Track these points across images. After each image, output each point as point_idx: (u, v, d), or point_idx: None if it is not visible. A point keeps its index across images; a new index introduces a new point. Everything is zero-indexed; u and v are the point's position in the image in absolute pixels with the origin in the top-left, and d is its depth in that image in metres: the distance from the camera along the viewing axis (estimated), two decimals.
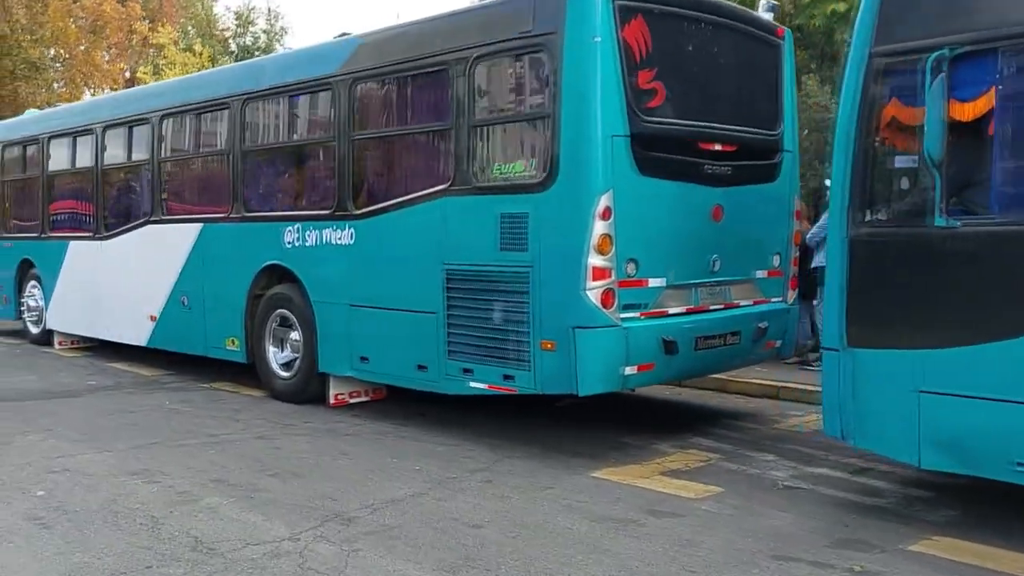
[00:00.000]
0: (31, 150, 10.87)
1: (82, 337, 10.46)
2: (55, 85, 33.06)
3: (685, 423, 6.40)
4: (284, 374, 7.36)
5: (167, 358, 9.00)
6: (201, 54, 25.57)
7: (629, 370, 5.26)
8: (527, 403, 6.09)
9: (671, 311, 5.55)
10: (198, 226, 8.08)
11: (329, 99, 6.80)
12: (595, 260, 5.10)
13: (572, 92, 5.16)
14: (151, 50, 35.88)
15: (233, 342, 7.74)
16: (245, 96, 7.51)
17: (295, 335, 7.25)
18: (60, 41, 32.41)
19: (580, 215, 5.12)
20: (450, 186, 5.85)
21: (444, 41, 5.89)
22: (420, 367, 6.11)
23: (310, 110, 7.24)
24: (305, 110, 7.28)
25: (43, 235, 10.46)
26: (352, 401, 7.06)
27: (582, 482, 4.88)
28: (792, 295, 6.43)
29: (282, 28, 31.71)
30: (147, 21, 31.75)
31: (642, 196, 5.30)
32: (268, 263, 7.35)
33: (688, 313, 5.65)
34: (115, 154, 9.42)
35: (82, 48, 34.05)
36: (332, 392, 7.00)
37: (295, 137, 7.45)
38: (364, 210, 6.51)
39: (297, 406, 6.99)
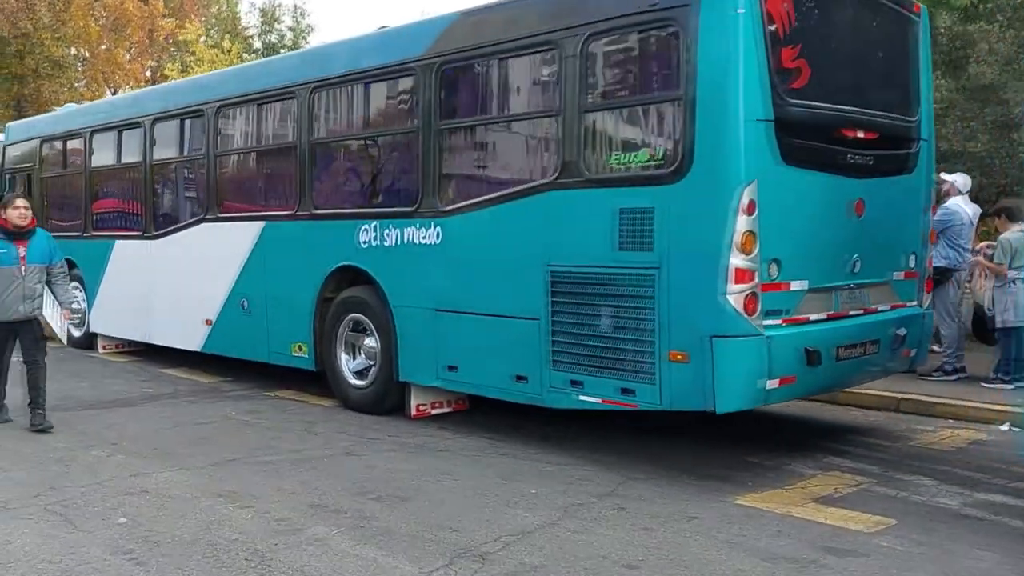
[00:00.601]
0: (73, 145, 10.40)
1: (127, 341, 10.02)
2: (76, 84, 32.93)
3: (807, 439, 5.84)
4: (358, 383, 6.84)
5: (220, 364, 8.51)
6: (230, 51, 25.10)
7: (771, 384, 4.69)
8: (619, 413, 5.54)
9: (812, 318, 4.99)
10: (259, 225, 7.57)
11: (412, 85, 6.27)
12: (737, 260, 4.55)
13: (710, 71, 4.60)
14: (174, 48, 35.68)
15: (300, 348, 7.23)
16: (314, 84, 6.98)
17: (370, 341, 6.73)
18: (81, 40, 32.22)
19: (719, 209, 4.56)
20: (556, 179, 5.30)
21: (552, 18, 5.33)
22: (518, 378, 5.57)
23: (389, 98, 6.71)
24: (383, 98, 6.75)
25: (86, 234, 9.98)
26: (434, 412, 6.53)
27: (728, 511, 4.32)
28: (927, 299, 5.86)
29: (308, 26, 31.27)
30: (170, 19, 31.42)
31: (785, 188, 4.73)
32: (340, 264, 6.83)
33: (828, 320, 5.08)
34: (166, 149, 8.93)
35: (104, 47, 33.94)
36: (413, 403, 6.47)
37: (371, 128, 6.91)
38: (452, 207, 5.97)
39: (375, 417, 6.46)
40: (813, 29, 5.00)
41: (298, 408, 6.96)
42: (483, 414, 6.42)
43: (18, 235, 6.28)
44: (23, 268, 6.23)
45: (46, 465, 5.24)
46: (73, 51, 32.78)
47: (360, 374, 6.87)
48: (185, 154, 8.63)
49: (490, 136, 5.95)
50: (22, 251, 6.26)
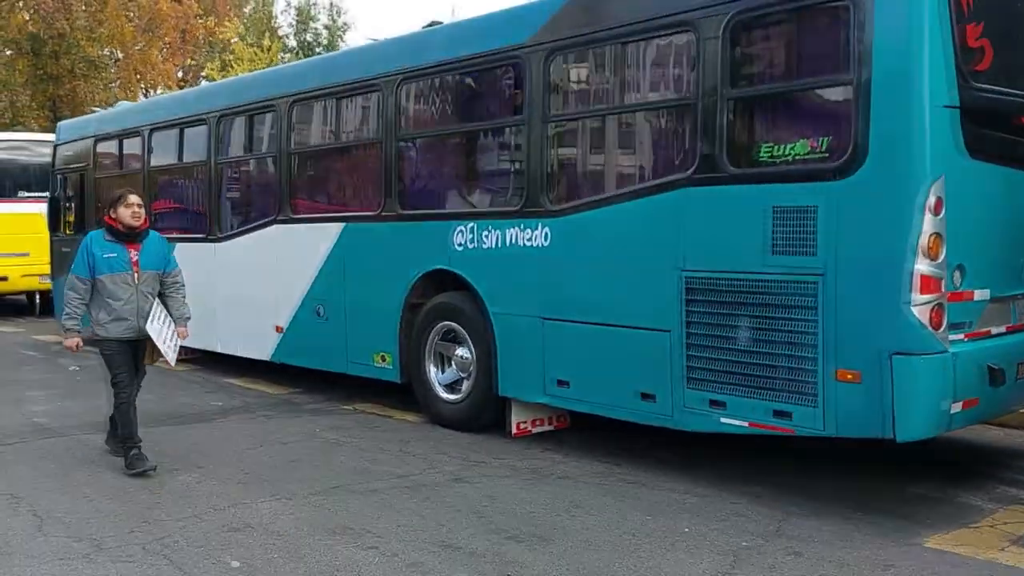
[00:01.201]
0: (130, 144, 10.01)
1: (184, 347, 9.61)
2: (111, 85, 32.86)
3: (967, 464, 5.27)
4: (449, 397, 6.34)
5: (284, 373, 8.08)
6: (269, 49, 24.79)
7: (955, 407, 4.11)
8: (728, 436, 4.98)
9: (993, 331, 4.40)
10: (338, 226, 7.09)
11: (516, 74, 5.77)
12: (922, 266, 3.98)
13: (888, 50, 4.02)
14: (208, 48, 35.54)
15: (383, 358, 6.75)
16: (402, 76, 6.49)
17: (462, 352, 6.23)
18: (115, 40, 32.14)
19: (902, 208, 3.99)
20: (693, 174, 4.75)
21: None
22: (644, 396, 5.04)
23: (489, 88, 6.20)
24: (482, 88, 6.24)
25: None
26: (535, 431, 6.02)
27: (923, 556, 3.76)
28: None
29: (344, 24, 30.95)
30: (204, 19, 31.23)
31: (969, 184, 4.15)
32: (431, 268, 6.35)
33: (1008, 333, 4.51)
34: (233, 146, 8.50)
35: (138, 47, 33.89)
36: (514, 420, 5.95)
37: (468, 121, 6.39)
38: (565, 206, 5.44)
39: (472, 436, 5.96)
40: (995, 5, 4.42)
41: (385, 424, 6.48)
42: (585, 432, 5.91)
43: (130, 237, 5.34)
44: (136, 275, 5.27)
45: (133, 494, 4.79)
46: (107, 51, 32.67)
47: (451, 387, 6.38)
48: (255, 152, 8.18)
49: (610, 128, 5.40)
50: (134, 255, 5.29)
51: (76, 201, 11.05)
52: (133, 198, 5.44)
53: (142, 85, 35.12)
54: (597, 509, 4.42)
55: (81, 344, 5.34)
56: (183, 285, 5.72)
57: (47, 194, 14.16)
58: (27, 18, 32.06)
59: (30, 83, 31.32)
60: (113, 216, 5.38)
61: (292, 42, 31.44)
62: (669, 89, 5.04)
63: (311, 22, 31.82)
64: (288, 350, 7.74)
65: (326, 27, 30.99)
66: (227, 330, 8.46)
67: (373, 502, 4.55)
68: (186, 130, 9.05)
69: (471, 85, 6.25)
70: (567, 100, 5.58)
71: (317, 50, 29.91)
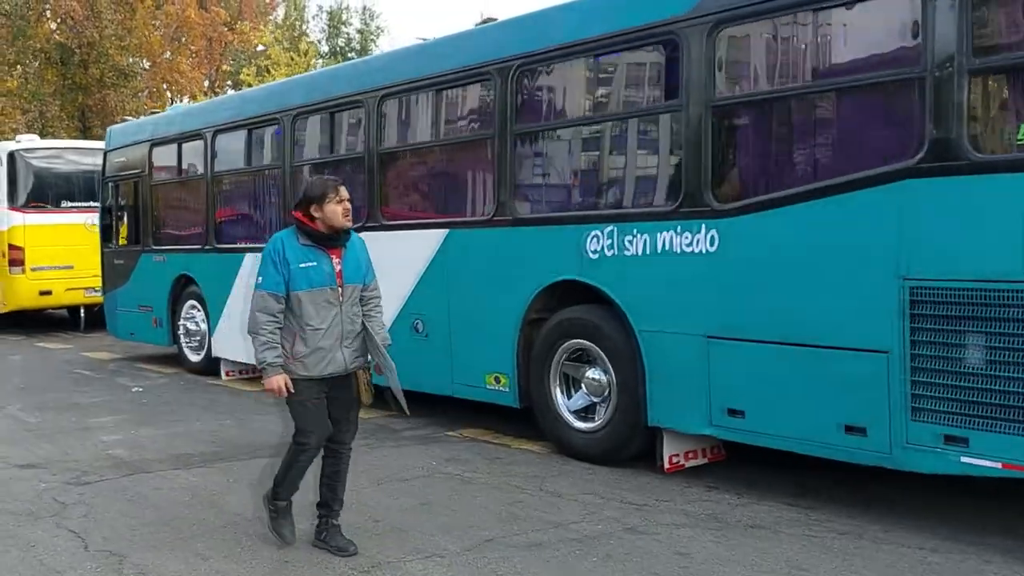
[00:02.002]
0: (190, 148, 9.34)
1: (253, 366, 8.93)
2: (139, 94, 32.52)
3: None
4: (582, 425, 5.55)
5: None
6: (306, 53, 24.25)
7: None
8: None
9: None
10: (440, 233, 6.35)
11: (668, 52, 5.01)
12: None
13: None
14: (241, 52, 35.14)
15: (497, 380, 5.99)
16: (519, 62, 5.75)
17: (594, 373, 5.45)
18: (143, 49, 31.81)
19: None
20: (919, 162, 3.98)
21: None
22: (850, 429, 4.22)
23: (632, 70, 5.44)
24: (623, 70, 5.47)
25: (208, 247, 8.91)
26: (688, 464, 5.24)
27: None
28: None
29: (378, 28, 30.43)
30: (235, 24, 30.76)
31: None
32: (556, 280, 5.60)
33: None
34: (311, 148, 7.81)
35: (167, 56, 33.59)
36: (667, 453, 5.16)
37: (603, 110, 5.61)
38: (737, 204, 4.65)
39: (616, 471, 5.17)
40: None
41: (507, 455, 5.70)
42: (743, 467, 5.11)
43: (333, 241, 4.01)
44: (340, 291, 4.00)
45: (253, 549, 4.03)
46: (134, 60, 32.31)
47: (581, 414, 5.61)
48: (338, 153, 7.48)
49: (799, 111, 4.59)
50: (338, 265, 4.00)
51: (129, 211, 10.40)
52: (344, 191, 4.02)
53: (169, 94, 34.86)
54: (822, 572, 3.63)
55: (290, 384, 3.90)
56: (381, 299, 4.38)
57: (91, 204, 13.77)
58: (54, 28, 31.87)
59: (58, 93, 31.04)
60: (316, 215, 3.95)
61: (324, 47, 30.95)
62: (880, 62, 4.23)
63: (343, 27, 31.35)
64: None
65: (359, 31, 30.48)
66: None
67: (544, 561, 3.77)
68: (255, 132, 8.37)
69: (610, 67, 5.48)
70: (741, 78, 4.81)
71: (349, 55, 29.37)
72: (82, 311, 13.91)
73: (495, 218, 5.95)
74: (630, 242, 5.12)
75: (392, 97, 6.80)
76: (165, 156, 9.76)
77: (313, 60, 24.79)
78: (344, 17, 30.94)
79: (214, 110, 9.20)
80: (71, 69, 30.70)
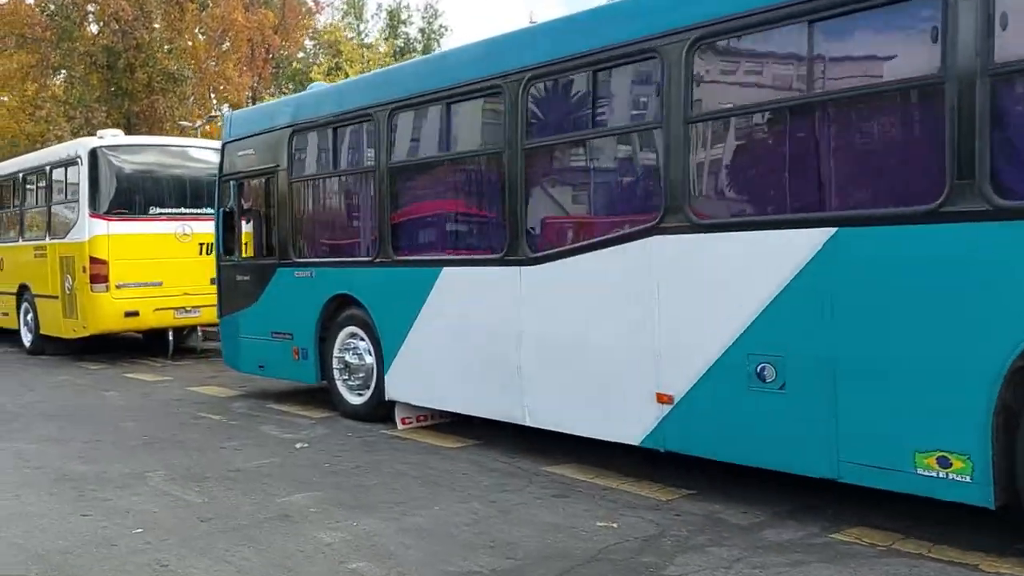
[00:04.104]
0: (353, 132, 7.38)
1: (429, 410, 6.96)
2: (186, 100, 31.00)
3: None
4: None
5: (631, 457, 5.38)
6: (385, 46, 22.41)
7: None
8: None
9: None
10: (818, 235, 4.25)
11: None
12: None
13: None
14: (280, 59, 33.60)
15: (946, 463, 3.87)
16: None
17: None
18: (188, 54, 30.30)
19: None
20: None
21: None
22: None
23: None
24: None
25: (380, 260, 6.88)
26: None
27: None
28: None
29: (441, 27, 28.57)
30: (308, 17, 29.09)
31: None
32: None
33: None
34: (556, 121, 5.82)
35: (212, 62, 32.18)
36: None
37: None
38: None
39: None
40: None
41: None
42: None
43: None
44: None
45: None
46: (178, 66, 30.81)
47: None
48: (611, 124, 5.46)
49: None
50: None
51: (258, 215, 8.43)
52: None
53: (215, 100, 33.41)
54: None
55: None
56: None
57: (182, 211, 11.89)
58: (96, 31, 30.36)
59: (103, 99, 29.50)
60: None
61: (383, 48, 29.13)
62: None
63: (402, 26, 29.54)
64: (685, 431, 4.93)
65: (421, 30, 28.66)
66: (545, 395, 5.70)
67: None
68: (460, 105, 6.39)
69: None
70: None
71: (412, 55, 27.56)
72: (171, 335, 11.99)
73: (944, 208, 3.88)
74: None
75: (713, 41, 4.80)
76: (313, 145, 7.79)
77: (393, 55, 23.00)
78: (404, 16, 29.13)
79: (390, 82, 7.10)
80: (116, 74, 29.17)
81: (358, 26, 29.63)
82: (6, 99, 31.50)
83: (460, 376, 6.30)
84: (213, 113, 29.93)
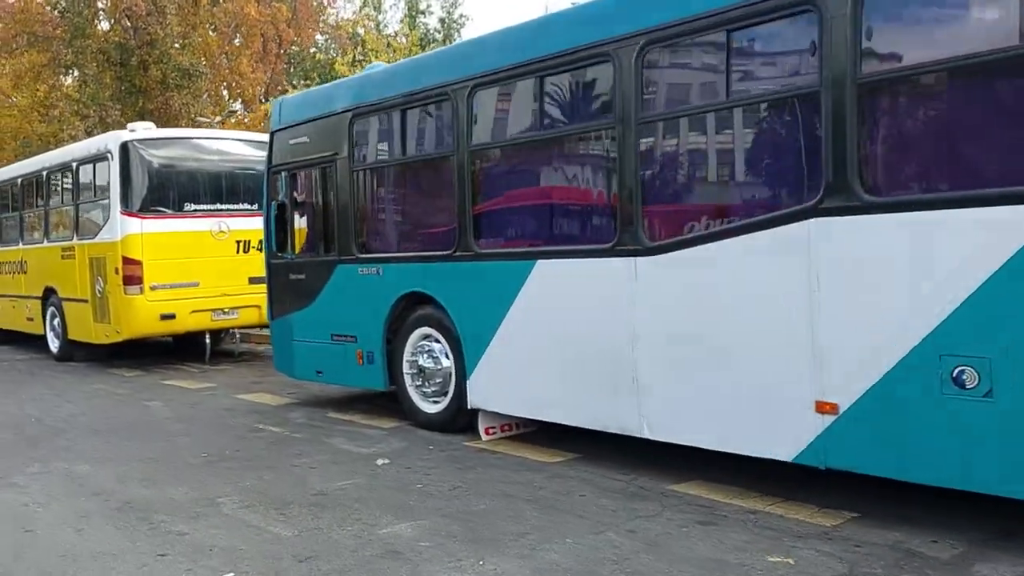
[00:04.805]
0: (426, 114, 6.72)
1: (514, 418, 6.29)
2: (201, 97, 30.38)
3: None
4: None
5: (756, 470, 4.71)
6: (408, 36, 21.74)
7: None
8: None
9: None
10: None
11: None
12: None
13: None
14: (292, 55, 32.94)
15: None
16: None
17: None
18: (200, 51, 29.71)
19: None
20: None
21: None
22: None
23: None
24: None
25: (460, 252, 6.20)
26: None
27: None
28: None
29: (462, 16, 27.84)
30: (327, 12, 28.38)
31: None
32: None
33: None
34: (682, 90, 5.13)
35: (224, 57, 31.61)
36: None
37: None
38: None
39: None
40: None
41: None
42: None
43: None
44: None
45: None
46: (192, 62, 30.21)
47: None
48: (761, 88, 4.72)
49: None
50: None
51: (313, 208, 7.76)
52: None
53: (228, 97, 32.82)
54: None
55: None
56: None
57: (218, 207, 11.24)
58: (107, 28, 29.75)
59: (116, 97, 28.88)
60: None
61: (403, 40, 28.42)
62: None
63: (420, 16, 28.81)
64: (854, 446, 4.21)
65: (441, 20, 27.92)
66: (668, 404, 5.00)
67: None
68: (557, 78, 5.68)
69: None
70: None
71: (431, 46, 26.86)
72: (207, 338, 11.34)
73: None
74: None
75: None
76: (379, 129, 7.09)
77: (418, 45, 22.29)
78: (423, 7, 28.40)
79: (473, 54, 6.34)
80: (129, 71, 28.58)
81: (376, 16, 28.90)
82: (17, 99, 30.98)
83: (560, 382, 5.62)
84: (231, 108, 29.32)
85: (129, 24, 28.45)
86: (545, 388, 5.73)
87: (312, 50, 36.31)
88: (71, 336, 11.91)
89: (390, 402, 7.42)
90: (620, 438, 5.35)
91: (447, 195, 6.38)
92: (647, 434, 5.15)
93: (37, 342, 13.30)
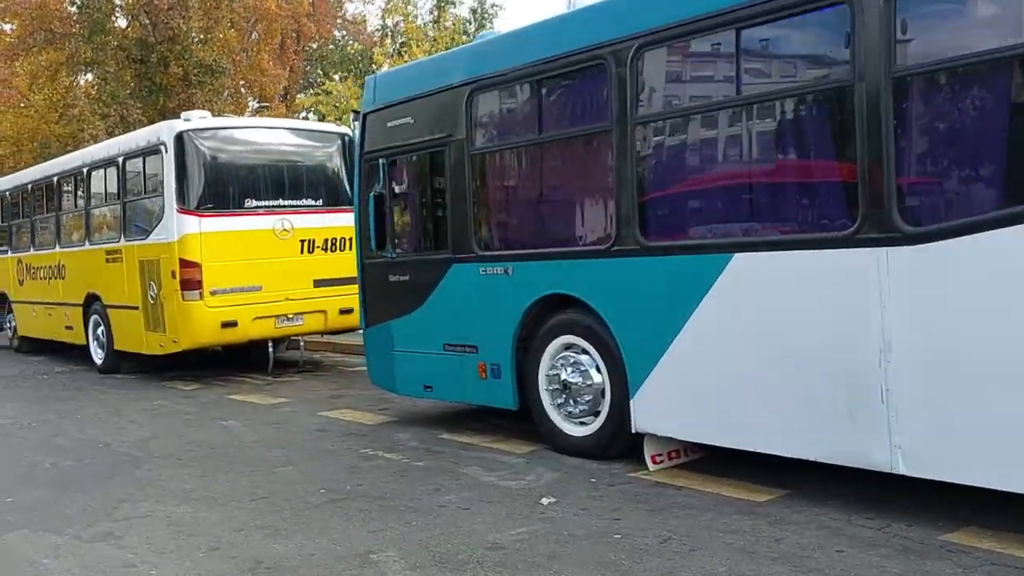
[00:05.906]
0: (566, 85, 5.71)
1: (681, 443, 5.28)
2: (222, 94, 29.50)
3: None
4: None
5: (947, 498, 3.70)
6: (452, 26, 20.78)
7: None
8: None
9: None
10: None
11: None
12: None
13: None
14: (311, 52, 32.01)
15: None
16: None
17: None
18: (221, 47, 28.84)
19: None
20: None
21: None
22: None
23: None
24: None
25: (619, 247, 5.16)
26: None
27: None
28: None
29: (494, 5, 26.81)
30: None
31: None
32: None
33: None
34: (945, 36, 4.09)
35: (244, 54, 30.77)
36: None
37: None
38: None
39: None
40: None
41: None
42: None
43: None
44: None
45: None
46: (214, 59, 29.33)
47: None
48: None
49: None
50: None
51: (419, 200, 6.77)
52: None
53: (252, 92, 32.01)
54: None
55: None
56: None
57: (281, 203, 10.25)
58: (125, 25, 28.87)
59: (135, 95, 27.99)
60: None
61: (431, 32, 27.46)
62: None
63: (450, 7, 27.80)
64: None
65: (472, 10, 26.93)
66: (934, 432, 3.99)
67: None
68: (764, 28, 4.66)
69: None
70: None
71: (463, 39, 25.89)
72: (270, 347, 10.35)
73: None
74: None
75: None
76: (506, 104, 6.10)
77: (460, 34, 21.34)
78: None
79: (638, 7, 5.32)
80: (150, 68, 27.69)
81: (404, 8, 27.89)
82: (33, 99, 30.12)
83: (770, 404, 4.59)
84: (255, 106, 28.40)
85: (148, 20, 27.57)
86: (748, 411, 4.70)
87: (331, 46, 35.46)
88: (117, 346, 10.92)
89: (507, 420, 6.44)
90: (830, 469, 4.36)
91: (603, 180, 5.37)
92: (901, 469, 4.11)
93: (74, 352, 12.35)
